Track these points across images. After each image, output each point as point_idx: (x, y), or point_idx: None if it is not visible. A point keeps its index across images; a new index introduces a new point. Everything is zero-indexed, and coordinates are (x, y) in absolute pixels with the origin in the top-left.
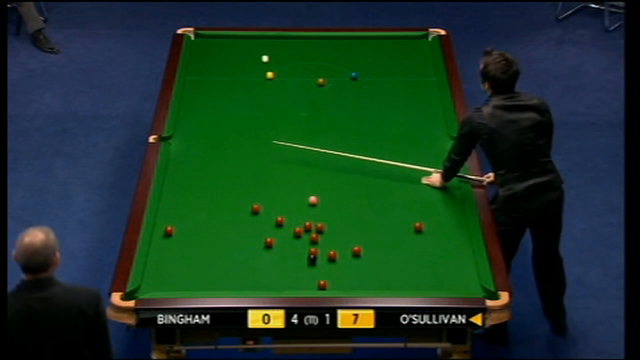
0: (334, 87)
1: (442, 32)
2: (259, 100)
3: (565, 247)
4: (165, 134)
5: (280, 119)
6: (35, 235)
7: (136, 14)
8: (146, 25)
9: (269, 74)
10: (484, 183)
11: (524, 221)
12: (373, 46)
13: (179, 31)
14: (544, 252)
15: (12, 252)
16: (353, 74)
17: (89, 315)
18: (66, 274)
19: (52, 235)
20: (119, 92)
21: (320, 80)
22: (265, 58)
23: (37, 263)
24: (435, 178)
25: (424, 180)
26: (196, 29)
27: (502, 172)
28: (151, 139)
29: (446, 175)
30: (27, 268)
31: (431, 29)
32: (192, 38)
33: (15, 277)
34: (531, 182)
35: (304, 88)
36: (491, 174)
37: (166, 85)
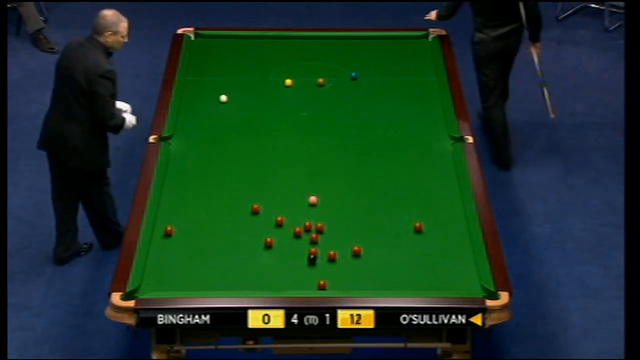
0: (334, 87)
1: (442, 32)
2: (259, 100)
3: (566, 247)
4: (165, 134)
5: (280, 119)
6: (110, 10)
7: (136, 14)
8: (146, 25)
9: (288, 82)
10: (425, 18)
11: (491, 56)
12: (373, 46)
13: (179, 31)
14: (502, 79)
15: None
16: (353, 74)
17: (81, 82)
18: (67, 273)
19: (120, 21)
20: (119, 92)
21: (320, 80)
22: (223, 97)
23: (94, 24)
24: (433, 15)
25: (426, 17)
26: (196, 29)
27: (479, 19)
28: (151, 139)
29: (440, 16)
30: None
31: (431, 29)
32: (192, 38)
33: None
34: (500, 30)
35: (304, 88)
36: (432, 13)
37: (166, 85)
